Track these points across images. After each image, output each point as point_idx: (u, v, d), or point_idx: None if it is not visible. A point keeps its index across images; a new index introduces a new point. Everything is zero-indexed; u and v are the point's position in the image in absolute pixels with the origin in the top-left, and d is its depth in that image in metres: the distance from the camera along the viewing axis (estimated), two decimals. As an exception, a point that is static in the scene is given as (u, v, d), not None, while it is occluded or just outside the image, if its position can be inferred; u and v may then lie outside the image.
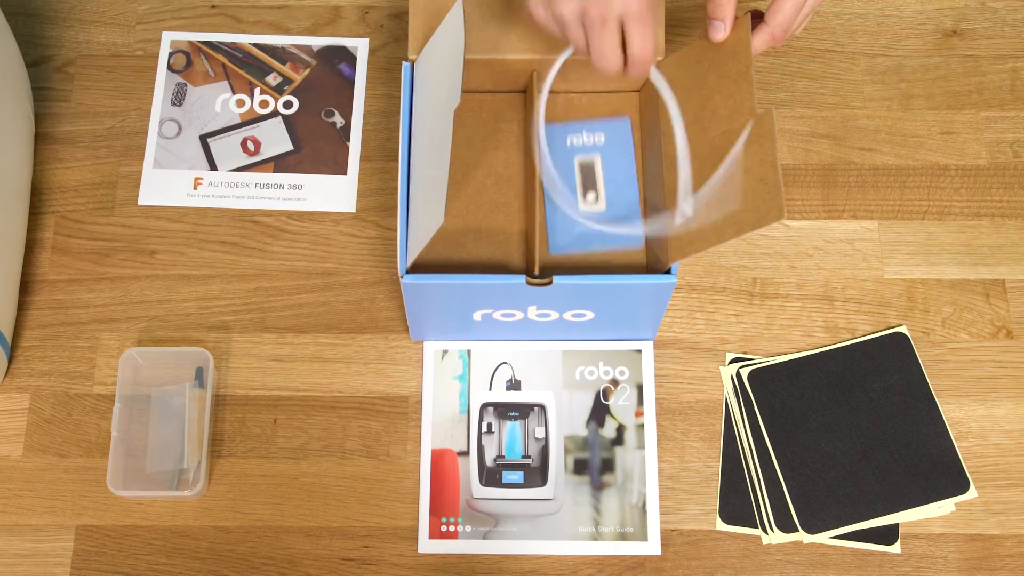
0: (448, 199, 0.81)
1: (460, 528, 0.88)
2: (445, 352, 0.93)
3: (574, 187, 0.87)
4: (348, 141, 1.01)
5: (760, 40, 0.78)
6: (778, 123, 1.01)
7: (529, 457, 0.90)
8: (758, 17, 0.79)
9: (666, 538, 0.88)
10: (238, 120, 1.01)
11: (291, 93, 1.02)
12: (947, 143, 1.01)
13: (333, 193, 0.99)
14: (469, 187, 0.87)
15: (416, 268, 0.80)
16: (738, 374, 0.92)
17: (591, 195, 0.86)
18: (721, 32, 0.79)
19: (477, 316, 0.87)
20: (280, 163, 1.00)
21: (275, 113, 1.02)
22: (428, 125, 0.81)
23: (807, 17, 0.81)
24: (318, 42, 1.05)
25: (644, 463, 0.90)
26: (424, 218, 0.76)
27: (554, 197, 0.85)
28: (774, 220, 0.71)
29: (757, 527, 0.88)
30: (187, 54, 1.04)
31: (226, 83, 1.03)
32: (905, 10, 1.06)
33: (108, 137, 1.01)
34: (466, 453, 0.90)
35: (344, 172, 1.00)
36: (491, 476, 0.90)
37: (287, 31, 1.05)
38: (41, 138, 1.01)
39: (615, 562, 0.88)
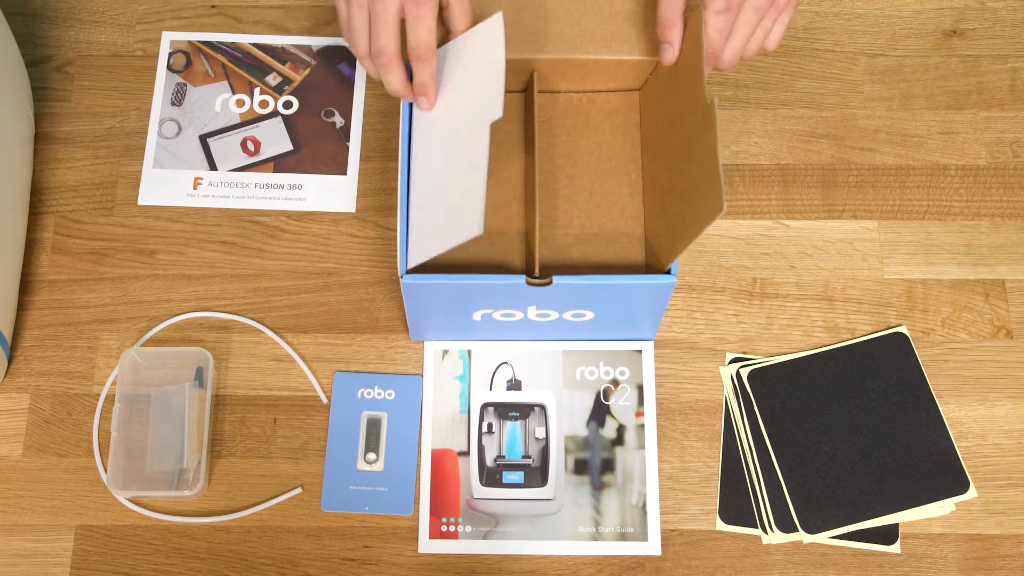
0: None
1: (460, 528, 0.88)
2: (445, 352, 0.93)
3: (357, 443, 0.89)
4: (348, 141, 1.01)
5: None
6: (778, 123, 1.01)
7: (529, 457, 0.90)
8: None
9: (666, 538, 0.88)
10: (238, 120, 1.01)
11: (291, 93, 1.02)
12: (947, 143, 1.01)
13: (333, 193, 0.99)
14: None
15: (416, 268, 0.80)
16: (738, 374, 0.92)
17: (371, 455, 0.89)
18: (671, 54, 0.80)
19: (477, 316, 0.87)
20: (280, 163, 1.00)
21: (275, 113, 1.02)
22: (447, 128, 0.80)
23: (752, 46, 0.80)
24: (318, 42, 1.05)
25: (644, 463, 0.90)
26: (450, 223, 0.76)
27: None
28: (715, 215, 0.70)
29: (757, 527, 0.88)
30: (187, 54, 1.04)
31: (226, 83, 1.03)
32: (905, 10, 1.06)
33: (108, 137, 1.01)
34: (466, 453, 0.90)
35: (344, 172, 1.00)
36: (491, 476, 0.90)
37: (287, 31, 1.05)
38: (41, 138, 1.01)
39: (615, 562, 0.88)
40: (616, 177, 0.87)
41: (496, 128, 0.88)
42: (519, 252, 0.85)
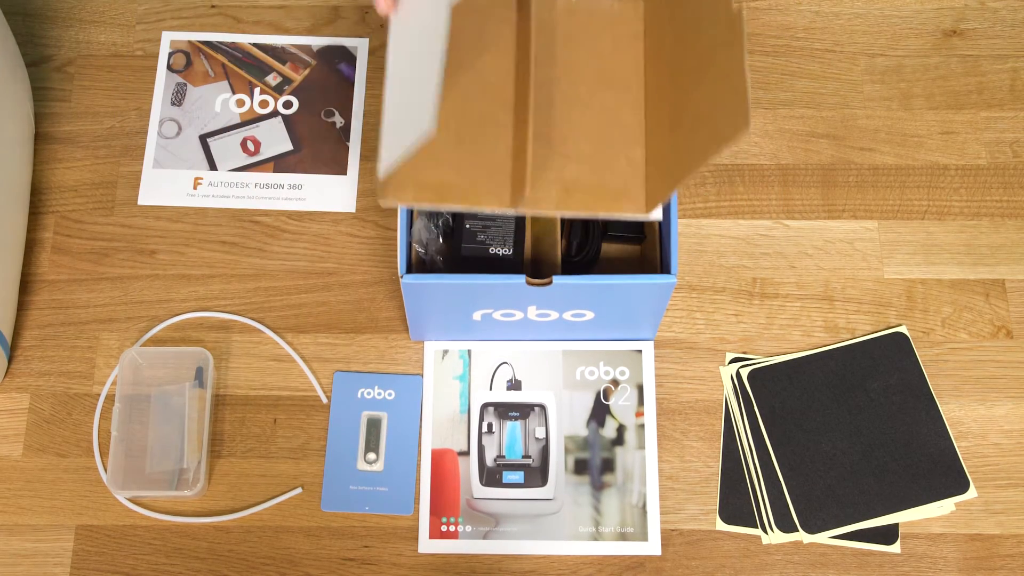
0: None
1: (460, 528, 0.88)
2: (445, 352, 0.93)
3: (357, 443, 0.89)
4: (348, 141, 1.01)
5: None
6: (778, 123, 1.01)
7: (529, 457, 0.90)
8: None
9: (666, 538, 0.88)
10: (238, 120, 1.01)
11: (291, 93, 1.02)
12: (947, 143, 1.01)
13: (333, 193, 0.99)
14: (452, 95, 0.76)
15: (391, 186, 0.73)
16: (738, 374, 0.92)
17: (371, 455, 0.89)
18: None
19: (477, 316, 0.87)
20: (280, 163, 1.00)
21: (275, 113, 1.02)
22: (414, 34, 0.72)
23: None
24: (318, 42, 1.05)
25: (644, 463, 0.90)
26: (406, 127, 0.69)
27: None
28: (738, 133, 0.65)
29: (757, 527, 0.88)
30: (187, 54, 1.04)
31: (226, 83, 1.03)
32: (905, 10, 1.06)
33: (108, 137, 1.01)
34: (466, 453, 0.90)
35: (344, 172, 1.00)
36: (491, 476, 0.90)
37: (287, 31, 1.05)
38: (41, 138, 1.01)
39: (615, 562, 0.88)
40: (616, 92, 0.79)
41: (484, 29, 0.78)
42: (506, 172, 0.76)
